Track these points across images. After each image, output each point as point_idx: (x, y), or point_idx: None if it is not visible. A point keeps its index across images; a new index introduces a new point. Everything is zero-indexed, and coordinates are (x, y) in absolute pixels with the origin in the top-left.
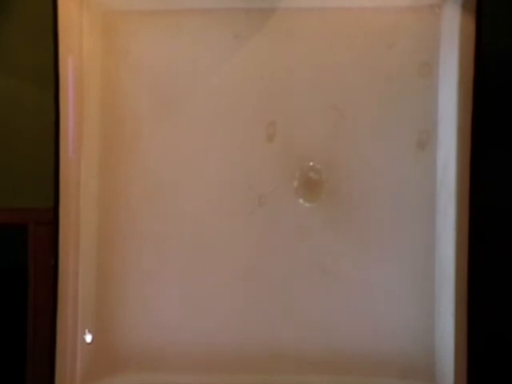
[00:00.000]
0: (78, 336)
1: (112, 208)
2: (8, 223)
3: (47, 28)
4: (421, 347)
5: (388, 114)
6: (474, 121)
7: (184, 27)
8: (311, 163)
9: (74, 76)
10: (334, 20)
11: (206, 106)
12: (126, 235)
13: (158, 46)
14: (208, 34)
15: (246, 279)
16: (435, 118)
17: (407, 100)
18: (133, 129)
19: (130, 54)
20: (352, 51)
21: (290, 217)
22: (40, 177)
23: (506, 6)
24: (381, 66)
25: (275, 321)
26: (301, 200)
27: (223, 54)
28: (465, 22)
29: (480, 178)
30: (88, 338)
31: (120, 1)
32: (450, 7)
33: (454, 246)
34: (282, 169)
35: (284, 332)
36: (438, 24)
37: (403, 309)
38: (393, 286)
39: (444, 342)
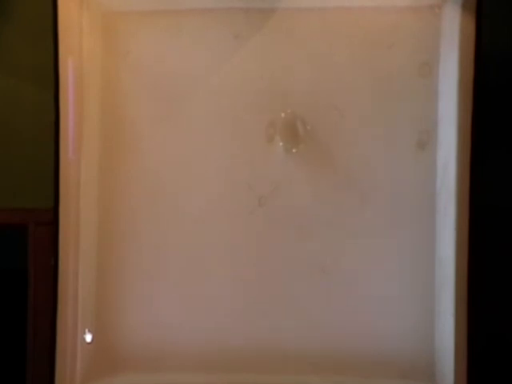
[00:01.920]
0: (78, 336)
1: (112, 208)
2: (8, 223)
3: (47, 28)
4: (421, 347)
5: (388, 113)
6: (474, 121)
7: (184, 27)
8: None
9: (74, 76)
10: (334, 20)
11: (206, 106)
12: (125, 235)
13: (157, 46)
14: (208, 33)
15: (246, 279)
16: (435, 118)
17: (407, 100)
18: (133, 129)
19: (129, 54)
20: (352, 51)
21: (290, 217)
22: (40, 177)
23: (506, 6)
24: (381, 65)
25: (275, 321)
26: (300, 199)
27: (223, 54)
28: (465, 22)
29: (480, 177)
30: (88, 337)
31: (120, 1)
32: (450, 7)
33: (454, 246)
34: (282, 169)
35: (284, 332)
36: (438, 24)
37: (403, 309)
38: (393, 285)
39: (444, 342)
